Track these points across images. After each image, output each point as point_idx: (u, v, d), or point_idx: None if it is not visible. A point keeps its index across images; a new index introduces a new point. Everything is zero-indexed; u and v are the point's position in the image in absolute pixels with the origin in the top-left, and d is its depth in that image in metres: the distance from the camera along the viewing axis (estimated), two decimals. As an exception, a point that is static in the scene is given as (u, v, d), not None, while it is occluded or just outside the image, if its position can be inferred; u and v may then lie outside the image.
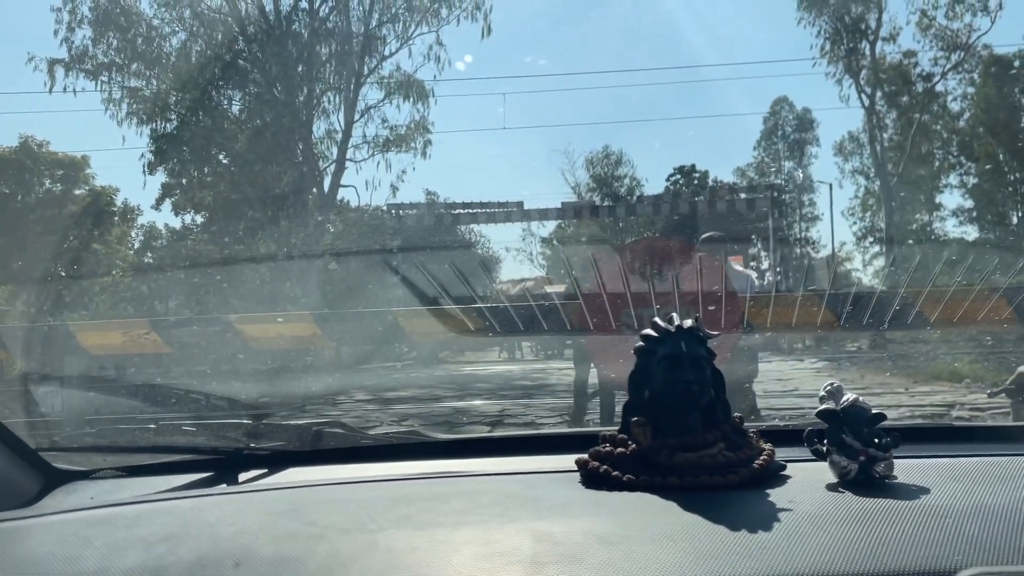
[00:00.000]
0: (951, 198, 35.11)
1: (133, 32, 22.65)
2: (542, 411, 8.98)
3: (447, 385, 13.51)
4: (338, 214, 24.39)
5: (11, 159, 26.38)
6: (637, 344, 1.08)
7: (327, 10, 23.29)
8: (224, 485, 1.28)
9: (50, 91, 22.38)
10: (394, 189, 24.54)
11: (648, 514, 0.92)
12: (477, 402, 10.51)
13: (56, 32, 22.32)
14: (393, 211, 23.30)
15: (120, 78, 22.91)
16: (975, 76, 28.41)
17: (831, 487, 0.99)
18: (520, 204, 23.46)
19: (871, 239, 35.27)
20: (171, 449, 1.42)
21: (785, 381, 11.86)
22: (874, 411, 1.02)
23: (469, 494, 1.05)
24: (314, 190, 23.30)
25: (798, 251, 35.12)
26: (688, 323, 1.06)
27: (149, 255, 28.89)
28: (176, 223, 28.13)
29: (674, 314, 1.08)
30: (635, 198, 27.37)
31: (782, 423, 1.50)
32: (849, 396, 1.03)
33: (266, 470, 1.33)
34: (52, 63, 22.25)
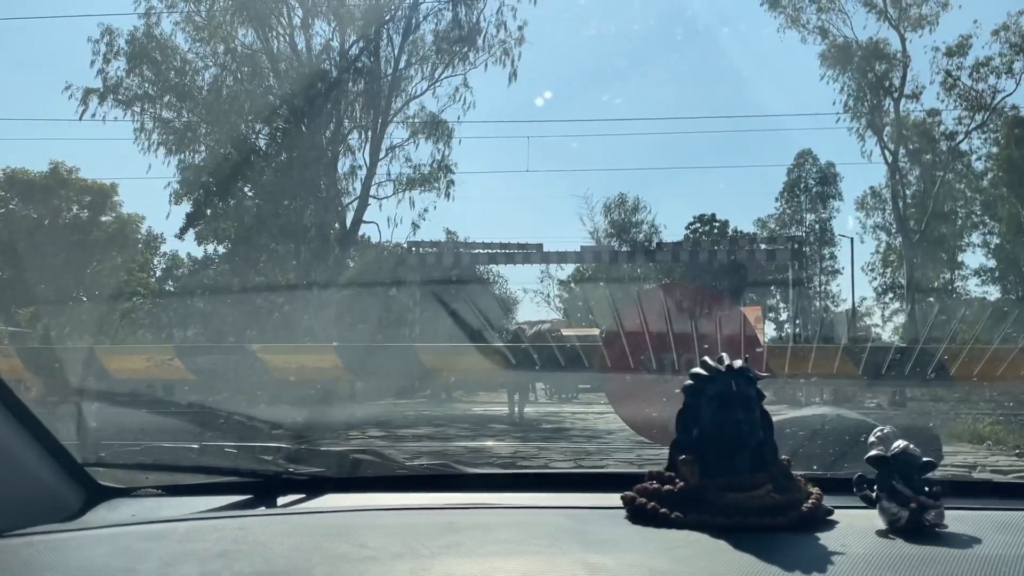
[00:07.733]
0: (973, 257, 34.87)
1: (167, 65, 23.10)
2: (555, 453, 8.90)
3: (460, 423, 13.43)
4: (359, 249, 24.57)
5: (41, 184, 26.87)
6: (686, 383, 1.09)
7: (357, 50, 23.71)
8: (264, 507, 1.29)
9: (80, 118, 22.78)
10: (415, 227, 24.67)
11: (700, 552, 0.92)
12: (489, 443, 10.42)
13: (92, 63, 22.80)
14: (413, 248, 23.40)
15: (152, 109, 23.32)
16: (999, 137, 28.40)
17: (881, 533, 0.98)
18: (540, 246, 23.45)
19: (891, 295, 35.04)
20: (212, 470, 1.43)
21: (802, 435, 11.68)
22: (924, 459, 1.02)
23: (517, 525, 1.05)
24: (336, 225, 23.50)
25: (817, 304, 34.92)
26: (738, 363, 1.07)
27: (170, 283, 29.18)
28: (199, 252, 28.42)
29: (724, 354, 1.09)
30: (654, 245, 27.35)
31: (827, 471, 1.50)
32: (900, 443, 1.03)
33: (304, 495, 1.34)
34: (87, 92, 22.68)
